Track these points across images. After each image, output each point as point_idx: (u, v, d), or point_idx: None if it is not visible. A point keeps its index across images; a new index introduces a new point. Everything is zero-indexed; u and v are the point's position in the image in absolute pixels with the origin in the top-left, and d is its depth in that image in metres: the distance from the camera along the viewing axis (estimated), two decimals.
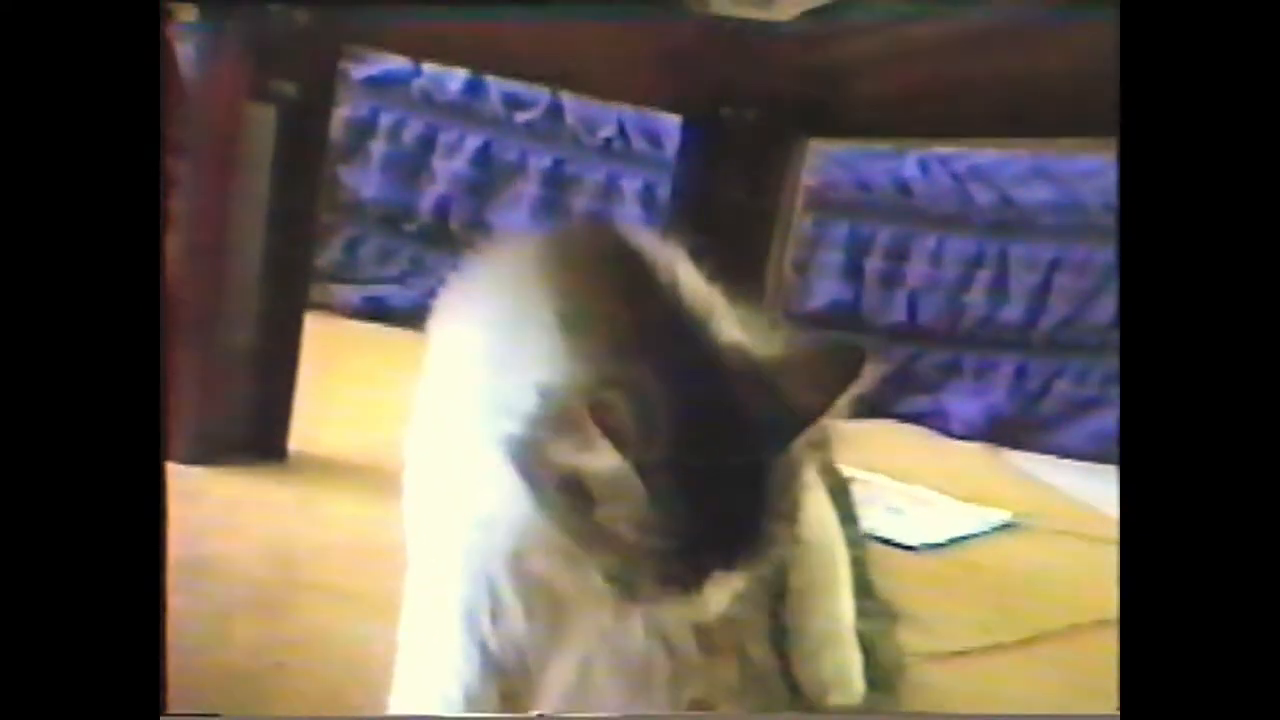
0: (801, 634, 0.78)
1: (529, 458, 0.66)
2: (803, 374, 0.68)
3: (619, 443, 0.61)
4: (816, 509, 0.79)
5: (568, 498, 0.65)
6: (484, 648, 0.74)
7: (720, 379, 0.67)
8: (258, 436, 1.55)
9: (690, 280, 0.74)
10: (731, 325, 0.73)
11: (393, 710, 0.76)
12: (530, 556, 0.71)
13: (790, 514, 0.69)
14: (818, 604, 0.79)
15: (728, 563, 0.66)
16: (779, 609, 0.79)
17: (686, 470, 0.63)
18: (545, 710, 0.75)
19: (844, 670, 0.79)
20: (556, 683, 0.75)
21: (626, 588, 0.66)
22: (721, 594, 0.67)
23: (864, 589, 0.85)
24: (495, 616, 0.73)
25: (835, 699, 0.79)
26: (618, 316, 0.68)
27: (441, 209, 2.79)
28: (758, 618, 0.76)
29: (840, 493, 0.88)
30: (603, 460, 0.62)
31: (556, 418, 0.63)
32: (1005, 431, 2.67)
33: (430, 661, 0.75)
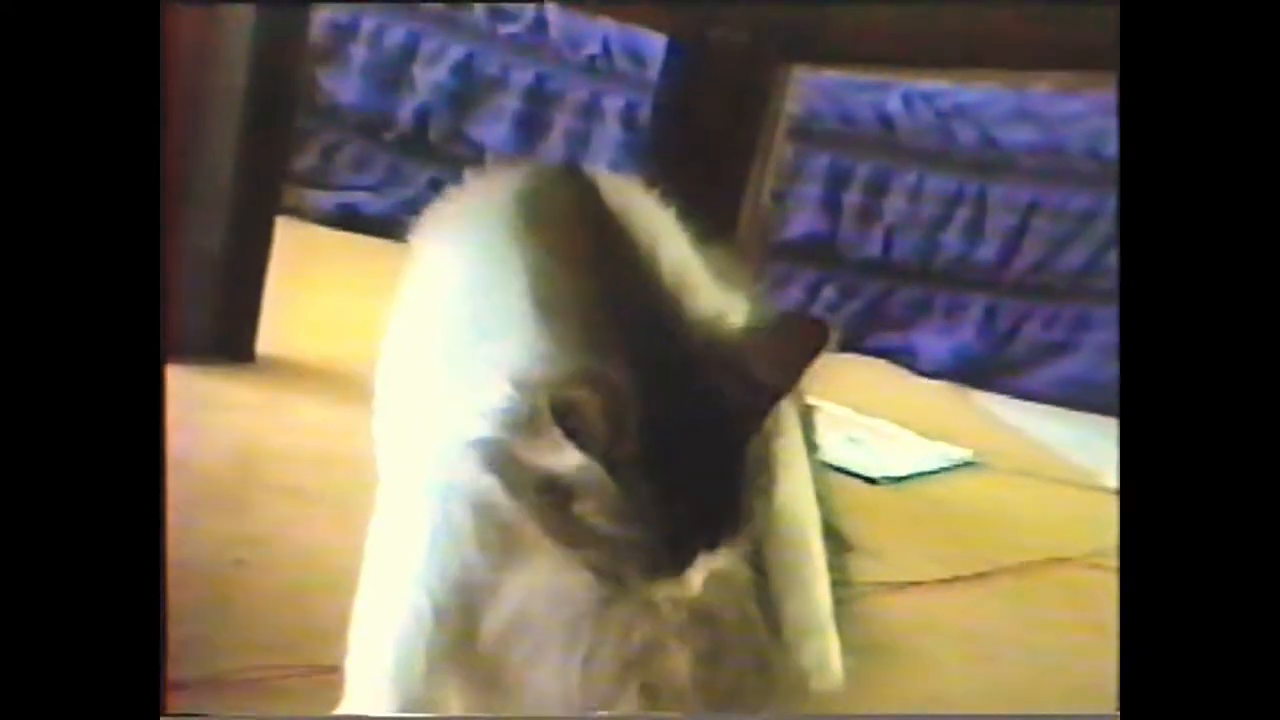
0: (779, 623, 0.79)
1: (502, 459, 0.66)
2: (768, 352, 0.68)
3: (584, 445, 0.62)
4: (791, 498, 0.79)
5: (544, 495, 0.66)
6: (450, 567, 0.74)
7: (690, 363, 0.67)
8: (225, 338, 1.54)
9: (668, 243, 0.73)
10: (705, 290, 0.73)
11: (357, 616, 0.76)
12: (491, 496, 0.73)
13: (767, 487, 0.70)
14: (793, 594, 0.80)
15: (711, 544, 0.67)
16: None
17: (658, 462, 0.64)
18: (484, 641, 0.76)
19: (823, 657, 0.80)
20: (497, 616, 0.75)
21: (611, 579, 0.68)
22: (705, 573, 0.68)
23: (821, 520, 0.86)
24: (455, 542, 0.74)
25: (815, 685, 0.80)
26: (592, 297, 0.67)
27: (421, 119, 2.76)
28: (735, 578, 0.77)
29: (803, 420, 0.88)
30: (571, 460, 0.63)
31: (525, 420, 0.64)
32: (972, 371, 2.69)
33: (398, 575, 0.75)
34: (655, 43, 2.04)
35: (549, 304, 0.68)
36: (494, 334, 0.69)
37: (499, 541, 0.73)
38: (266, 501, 1.09)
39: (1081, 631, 1.26)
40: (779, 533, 0.79)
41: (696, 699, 0.76)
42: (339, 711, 0.75)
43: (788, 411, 0.76)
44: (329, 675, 0.77)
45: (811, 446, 0.90)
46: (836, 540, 0.89)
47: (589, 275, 0.68)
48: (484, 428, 0.66)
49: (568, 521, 0.66)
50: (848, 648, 0.91)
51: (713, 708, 0.77)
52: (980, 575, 1.36)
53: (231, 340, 1.55)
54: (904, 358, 2.73)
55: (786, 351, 0.68)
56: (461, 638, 0.75)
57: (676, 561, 0.67)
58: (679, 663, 0.75)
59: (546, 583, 0.74)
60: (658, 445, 0.64)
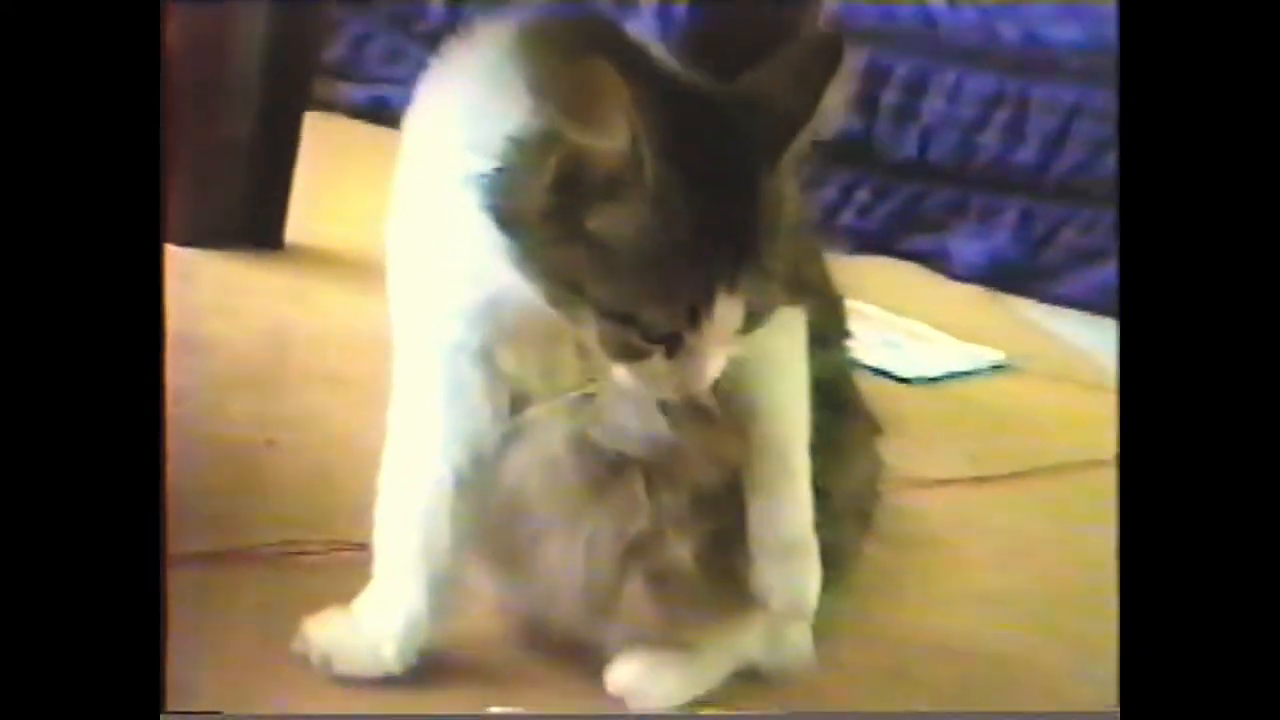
0: (751, 543, 0.75)
1: (506, 191, 0.64)
2: (784, 77, 0.67)
3: (618, 125, 0.61)
4: (775, 408, 0.75)
5: (555, 219, 0.63)
6: (465, 432, 0.74)
7: (705, 101, 0.67)
8: (254, 224, 1.54)
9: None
10: None
11: (382, 491, 0.76)
12: (497, 351, 0.72)
13: (778, 242, 0.67)
14: (769, 514, 0.75)
15: (731, 277, 0.64)
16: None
17: (685, 170, 0.63)
18: (495, 516, 0.75)
19: (796, 586, 0.76)
20: (503, 492, 0.75)
21: (619, 334, 0.64)
22: (717, 351, 0.66)
23: (845, 403, 0.84)
24: (467, 404, 0.73)
25: (780, 610, 0.76)
26: (596, 70, 0.63)
27: (452, 11, 2.71)
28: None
29: (831, 310, 0.86)
30: (611, 139, 0.61)
31: (563, 102, 0.62)
32: (1007, 276, 2.65)
33: (418, 446, 0.75)
34: None
35: (549, 83, 0.64)
36: (493, 116, 0.67)
37: (504, 403, 0.73)
38: (297, 385, 1.09)
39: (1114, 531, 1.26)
40: (759, 442, 0.75)
41: (705, 584, 0.76)
42: (369, 587, 0.76)
43: (793, 315, 0.74)
44: (357, 552, 0.78)
45: (843, 333, 0.87)
46: (867, 422, 0.87)
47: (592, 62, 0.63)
48: (486, 165, 0.65)
49: (579, 247, 0.63)
50: (884, 539, 0.90)
51: (722, 591, 0.76)
52: (1013, 475, 1.35)
53: (261, 228, 1.54)
54: (938, 261, 2.69)
55: (803, 73, 0.67)
56: (482, 509, 0.75)
57: (697, 289, 0.64)
58: (682, 552, 0.75)
59: (541, 459, 0.74)
60: (681, 160, 0.63)
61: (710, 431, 0.74)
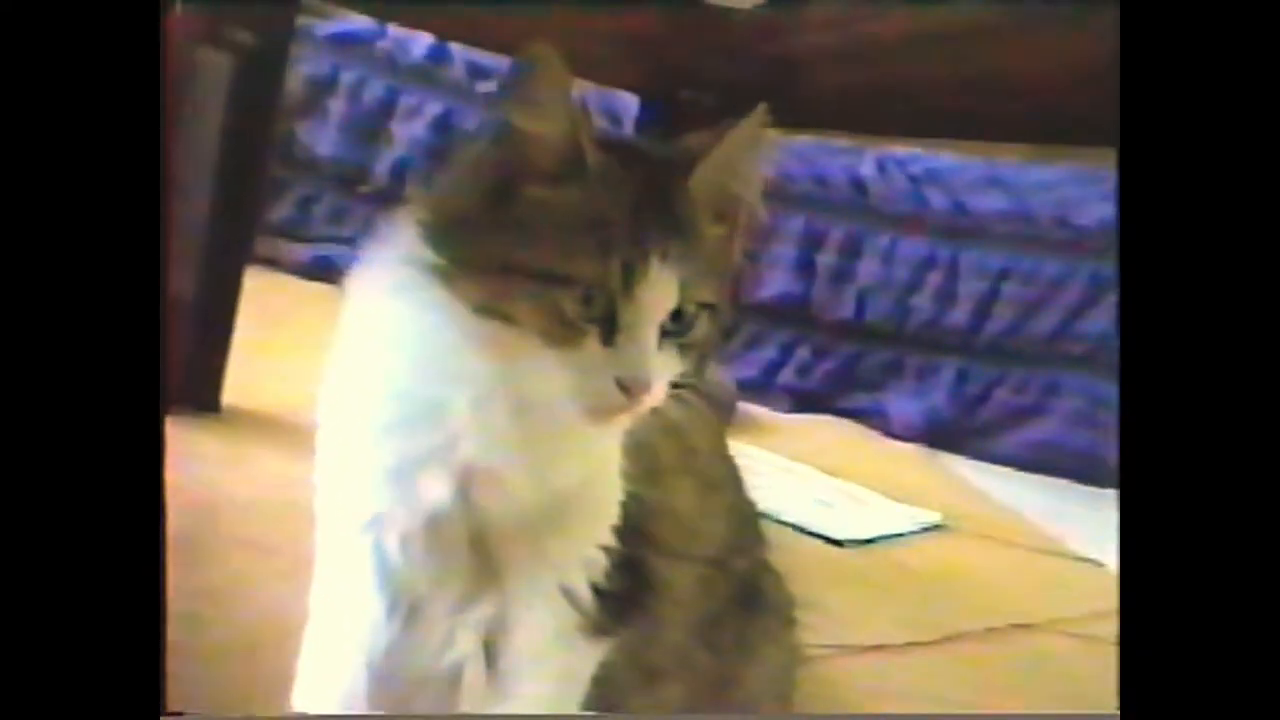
0: None
1: (438, 206, 0.68)
2: (700, 137, 0.72)
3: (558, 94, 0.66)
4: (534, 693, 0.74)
5: (491, 204, 0.65)
6: (373, 622, 0.74)
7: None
8: (191, 387, 1.53)
9: None
10: None
11: (300, 674, 0.76)
12: (387, 539, 0.72)
13: (703, 246, 0.69)
14: None
15: (663, 248, 0.64)
16: None
17: (619, 159, 0.67)
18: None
19: None
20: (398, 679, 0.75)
21: (552, 299, 0.63)
22: (659, 354, 0.65)
23: (761, 598, 0.86)
24: (368, 595, 0.74)
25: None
26: (539, 60, 0.68)
27: (398, 173, 2.77)
28: None
29: (749, 520, 0.87)
30: (552, 124, 0.66)
31: (509, 87, 0.68)
32: (942, 434, 2.69)
33: (333, 629, 0.75)
34: (630, 102, 2.06)
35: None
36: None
37: (401, 600, 0.73)
38: (226, 553, 1.08)
39: (1044, 698, 1.26)
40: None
41: None
42: None
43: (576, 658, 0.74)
44: None
45: (757, 541, 0.88)
46: (782, 615, 0.88)
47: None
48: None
49: (519, 216, 0.65)
50: (810, 710, 0.90)
51: None
52: (944, 639, 1.36)
53: (198, 390, 1.54)
54: (875, 420, 2.73)
55: (714, 129, 0.72)
56: (398, 702, 0.75)
57: (632, 247, 0.64)
58: None
59: (425, 678, 0.74)
60: (615, 151, 0.68)
61: None
